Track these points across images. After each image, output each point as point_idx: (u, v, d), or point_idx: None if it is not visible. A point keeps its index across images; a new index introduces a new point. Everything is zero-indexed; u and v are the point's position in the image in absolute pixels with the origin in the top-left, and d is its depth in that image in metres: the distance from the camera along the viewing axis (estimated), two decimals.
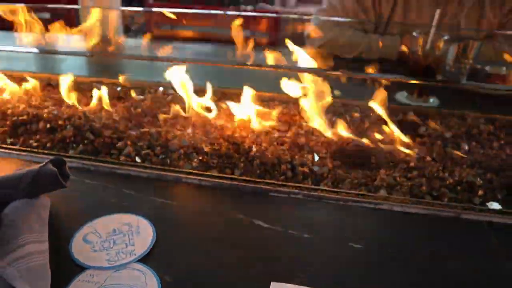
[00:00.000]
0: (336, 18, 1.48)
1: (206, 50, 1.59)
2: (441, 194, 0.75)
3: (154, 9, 1.63)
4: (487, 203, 0.73)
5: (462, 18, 1.50)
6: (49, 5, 1.47)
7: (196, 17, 1.85)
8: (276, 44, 1.61)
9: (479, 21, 1.51)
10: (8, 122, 0.94)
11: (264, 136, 0.88)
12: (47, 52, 1.07)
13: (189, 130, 0.89)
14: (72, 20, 1.75)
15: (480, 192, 0.75)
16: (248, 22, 1.79)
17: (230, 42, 1.47)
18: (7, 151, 0.84)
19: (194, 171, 0.76)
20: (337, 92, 1.15)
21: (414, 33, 1.13)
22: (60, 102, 1.05)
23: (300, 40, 1.54)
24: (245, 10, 2.67)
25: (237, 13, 1.64)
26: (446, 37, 1.10)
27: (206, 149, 0.81)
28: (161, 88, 1.11)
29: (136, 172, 0.76)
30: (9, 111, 0.98)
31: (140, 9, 1.25)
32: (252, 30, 1.86)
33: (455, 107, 1.11)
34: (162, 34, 1.89)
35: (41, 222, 0.61)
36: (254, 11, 2.13)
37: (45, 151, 0.84)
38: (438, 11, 1.16)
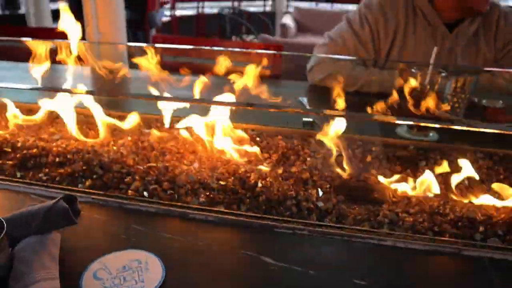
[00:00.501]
0: (336, 56, 1.52)
1: (208, 83, 1.62)
2: (442, 229, 0.76)
3: (158, 45, 1.67)
4: (487, 239, 0.75)
5: (458, 53, 1.55)
6: (57, 40, 1.51)
7: (198, 49, 1.90)
8: (279, 77, 1.65)
9: (474, 56, 1.56)
10: (18, 155, 0.96)
11: (268, 170, 0.90)
12: (53, 90, 1.10)
13: (196, 165, 0.91)
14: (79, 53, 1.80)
15: (481, 228, 0.77)
16: (250, 55, 1.84)
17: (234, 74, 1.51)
18: (17, 184, 0.86)
19: (201, 207, 0.78)
20: None
21: (413, 70, 1.16)
22: (69, 134, 1.07)
23: (302, 74, 1.59)
24: (247, 42, 2.74)
25: (240, 49, 1.68)
26: (443, 74, 1.14)
27: (213, 184, 0.83)
28: (167, 121, 1.13)
29: (144, 207, 0.78)
30: (19, 144, 1.00)
31: (144, 44, 1.29)
32: (254, 62, 1.90)
33: (454, 141, 1.13)
34: (165, 63, 1.92)
35: (52, 258, 0.62)
36: (258, 47, 2.18)
37: (55, 185, 0.86)
38: (435, 49, 1.20)
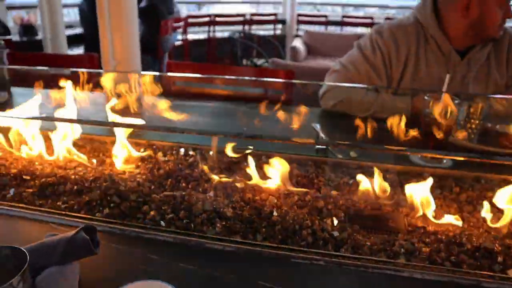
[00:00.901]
0: (348, 84, 1.54)
1: (223, 109, 1.65)
2: (460, 260, 0.76)
3: (171, 74, 1.71)
4: (507, 270, 0.74)
5: (470, 79, 1.55)
6: (73, 69, 1.55)
7: (210, 74, 1.93)
8: (291, 102, 1.67)
9: (486, 82, 1.56)
10: (36, 183, 0.98)
11: (284, 199, 0.91)
12: (69, 121, 1.13)
13: (211, 193, 0.92)
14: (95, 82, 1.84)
15: (500, 259, 0.76)
16: (263, 81, 1.87)
17: (247, 99, 1.53)
18: (36, 213, 0.88)
19: (217, 237, 0.78)
20: (353, 154, 1.19)
21: (426, 97, 1.17)
22: (86, 162, 1.09)
23: (315, 99, 1.60)
24: (260, 68, 2.77)
25: (253, 78, 1.71)
26: (456, 101, 1.14)
27: (228, 213, 0.84)
28: (182, 150, 1.15)
29: (161, 236, 0.79)
30: (38, 172, 1.02)
31: (157, 73, 1.32)
32: (267, 87, 1.93)
33: (468, 168, 1.13)
34: (179, 90, 1.96)
35: None
36: (270, 73, 2.21)
37: (73, 214, 0.87)
38: (448, 77, 1.21)
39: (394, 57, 1.52)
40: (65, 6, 6.05)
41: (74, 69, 1.52)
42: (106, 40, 1.90)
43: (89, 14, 5.02)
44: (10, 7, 6.10)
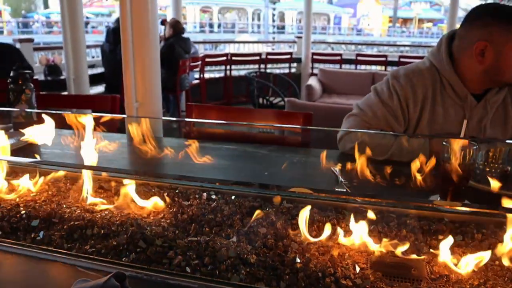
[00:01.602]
0: (366, 131, 1.56)
1: (242, 152, 1.69)
2: None
3: (189, 119, 1.77)
4: None
5: (487, 122, 1.56)
6: (97, 114, 1.61)
7: (229, 117, 1.98)
8: (309, 145, 1.70)
9: (503, 124, 1.57)
10: (65, 227, 1.01)
11: (306, 245, 0.92)
12: (92, 168, 1.17)
13: (234, 239, 0.94)
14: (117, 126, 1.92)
15: None
16: (280, 122, 1.91)
17: (266, 141, 1.56)
18: (64, 256, 0.90)
19: (242, 284, 0.80)
20: None
21: (444, 143, 1.19)
22: (111, 203, 1.13)
23: (333, 141, 1.63)
24: (277, 110, 2.83)
25: (269, 125, 1.75)
26: (475, 147, 1.15)
27: (252, 260, 0.85)
28: (204, 194, 1.18)
29: (186, 283, 0.80)
30: (66, 216, 1.06)
31: (176, 119, 1.37)
32: (286, 130, 1.97)
33: (489, 213, 1.13)
34: (199, 132, 2.01)
35: None
36: (287, 115, 2.27)
37: (100, 258, 0.89)
38: (465, 122, 1.24)
39: (411, 101, 1.55)
40: (88, 46, 6.31)
41: (99, 114, 1.58)
42: (130, 83, 1.98)
43: (110, 55, 5.24)
44: (37, 48, 6.39)
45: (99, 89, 5.88)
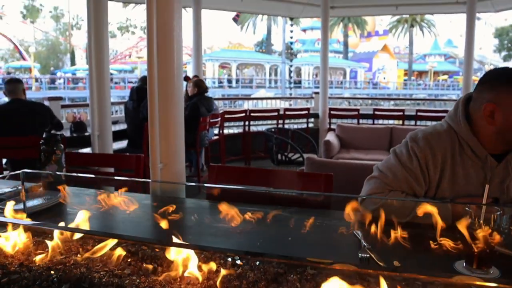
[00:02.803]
0: (386, 193, 1.58)
1: (265, 214, 1.71)
2: None
3: (211, 185, 1.81)
4: None
5: (509, 182, 1.56)
6: (121, 178, 1.67)
7: (251, 178, 2.02)
8: (329, 206, 1.71)
9: None
10: None
11: None
12: (117, 237, 1.21)
13: None
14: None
15: None
16: (301, 183, 1.94)
17: (288, 203, 1.58)
18: None
19: None
20: (396, 263, 1.20)
21: (466, 208, 1.19)
22: (140, 269, 1.15)
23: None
24: (297, 172, 2.86)
25: (290, 192, 1.79)
26: (498, 212, 1.16)
27: None
28: (229, 259, 1.19)
29: None
30: (96, 281, 1.08)
31: (198, 184, 1.42)
32: (304, 189, 1.99)
33: None
34: (221, 192, 2.04)
35: None
36: (307, 176, 2.29)
37: None
38: (487, 187, 1.24)
39: (430, 163, 1.57)
40: (112, 103, 6.56)
41: (125, 178, 1.63)
42: (155, 145, 2.06)
43: (133, 113, 5.43)
44: (64, 106, 6.68)
45: (122, 144, 6.04)
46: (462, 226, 1.25)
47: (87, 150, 5.53)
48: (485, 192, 1.23)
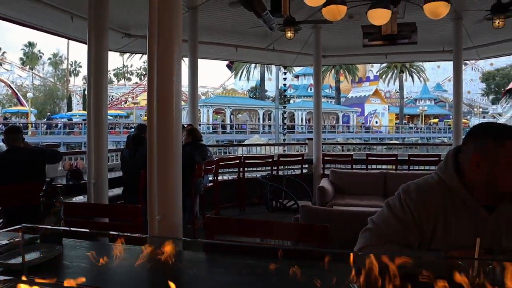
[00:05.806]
0: (381, 246, 1.60)
1: (261, 267, 1.71)
2: None
3: (206, 241, 1.83)
4: None
5: (502, 232, 1.58)
6: (119, 233, 1.67)
7: (246, 229, 2.04)
8: (323, 258, 1.72)
9: None
10: None
11: None
12: None
13: None
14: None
15: None
16: (296, 234, 1.95)
17: (283, 255, 1.60)
18: None
19: None
20: None
21: (460, 262, 1.22)
22: None
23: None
24: (293, 223, 2.88)
25: (285, 247, 1.81)
26: (491, 266, 1.18)
27: None
28: None
29: None
30: None
31: (194, 240, 1.45)
32: (299, 240, 2.00)
33: None
34: (217, 244, 2.06)
35: None
36: (302, 227, 2.31)
37: None
38: (478, 241, 1.27)
39: (423, 215, 1.60)
40: (109, 151, 6.59)
41: (122, 233, 1.64)
42: (153, 198, 2.08)
43: (130, 160, 5.46)
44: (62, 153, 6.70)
45: (117, 191, 6.03)
46: (456, 279, 1.28)
47: (82, 197, 5.51)
48: (477, 245, 1.26)
